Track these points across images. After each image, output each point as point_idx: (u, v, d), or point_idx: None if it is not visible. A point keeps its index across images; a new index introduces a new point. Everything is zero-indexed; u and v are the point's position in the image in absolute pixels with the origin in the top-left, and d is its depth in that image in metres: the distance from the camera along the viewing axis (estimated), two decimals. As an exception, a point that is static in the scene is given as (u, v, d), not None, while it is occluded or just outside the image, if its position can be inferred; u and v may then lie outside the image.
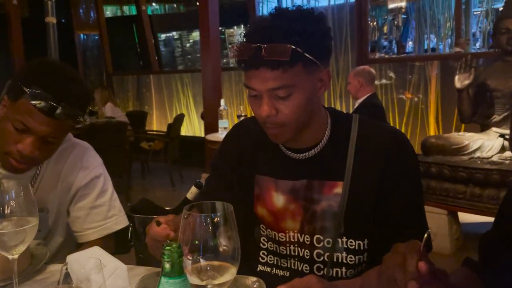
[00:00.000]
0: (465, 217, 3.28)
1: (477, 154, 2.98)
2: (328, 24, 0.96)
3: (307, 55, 0.88)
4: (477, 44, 10.34)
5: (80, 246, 1.25)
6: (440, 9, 11.76)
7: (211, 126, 4.23)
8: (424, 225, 1.02)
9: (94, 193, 1.24)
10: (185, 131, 6.37)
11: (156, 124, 7.01)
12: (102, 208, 1.25)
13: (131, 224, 1.44)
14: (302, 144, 1.02)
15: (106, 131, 4.31)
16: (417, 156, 1.04)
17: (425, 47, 11.83)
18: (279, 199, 1.04)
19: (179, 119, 5.46)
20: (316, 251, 1.01)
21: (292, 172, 1.03)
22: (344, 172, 0.99)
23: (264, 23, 0.91)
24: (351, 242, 1.00)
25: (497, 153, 2.95)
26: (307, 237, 1.02)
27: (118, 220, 1.27)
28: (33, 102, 1.04)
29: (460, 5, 8.73)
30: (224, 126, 3.73)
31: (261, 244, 1.08)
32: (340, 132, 1.02)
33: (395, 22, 8.23)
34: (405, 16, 12.10)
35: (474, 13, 11.57)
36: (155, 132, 6.23)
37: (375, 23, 11.17)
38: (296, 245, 1.03)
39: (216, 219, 0.65)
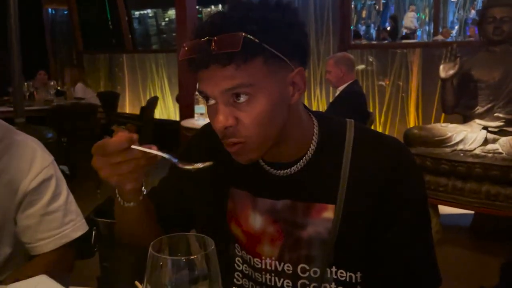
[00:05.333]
0: (443, 209, 3.24)
1: (460, 147, 2.92)
2: (300, 17, 0.79)
3: (266, 46, 0.71)
4: (454, 32, 10.37)
5: (33, 257, 1.09)
6: (419, -6, 11.74)
7: (186, 111, 4.05)
8: (432, 264, 0.86)
9: (45, 198, 1.07)
10: (159, 114, 6.14)
11: (129, 106, 6.74)
12: (56, 214, 1.08)
13: (95, 228, 1.29)
14: (283, 158, 0.86)
15: (74, 113, 4.07)
16: (423, 178, 0.88)
17: (403, 34, 11.83)
18: (255, 220, 0.89)
19: (153, 102, 5.24)
20: (300, 281, 0.87)
21: (272, 190, 0.87)
22: (336, 194, 0.82)
23: (217, 15, 0.76)
24: (341, 273, 0.85)
25: (480, 146, 2.89)
26: (287, 266, 0.87)
27: (76, 226, 1.11)
28: None
29: (439, -8, 8.68)
30: (201, 112, 3.56)
31: (235, 265, 0.94)
32: (330, 144, 0.85)
33: (376, 7, 8.17)
34: (384, 1, 12.04)
35: (452, 0, 11.60)
36: (127, 115, 5.99)
37: (353, 8, 11.06)
38: (273, 274, 0.88)
39: (193, 265, 0.51)
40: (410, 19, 9.49)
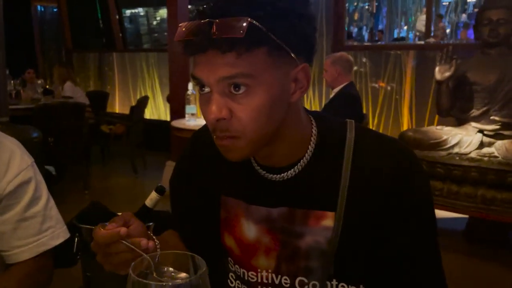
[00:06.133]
0: (437, 213, 3.20)
1: (455, 150, 2.89)
2: (311, 10, 0.72)
3: (272, 36, 0.65)
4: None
5: (10, 265, 1.02)
6: (411, -3, 11.80)
7: (177, 111, 3.97)
8: (439, 273, 0.80)
9: (22, 202, 0.99)
10: (149, 114, 6.06)
11: (119, 106, 6.63)
12: (34, 220, 1.01)
13: (77, 235, 1.21)
14: (278, 161, 0.79)
15: (61, 113, 3.96)
16: (429, 181, 0.82)
17: (395, 36, 11.87)
18: (250, 229, 0.82)
19: (143, 101, 5.15)
20: None
21: (267, 196, 0.81)
22: (336, 200, 0.76)
23: None
24: (342, 286, 0.79)
25: (475, 149, 2.86)
26: (285, 279, 0.81)
27: (56, 234, 1.04)
28: None
29: (431, -6, 8.67)
30: (192, 112, 3.48)
31: (228, 282, 0.88)
32: (329, 146, 0.79)
33: (369, 9, 8.13)
34: (376, 4, 12.07)
35: (443, 3, 11.67)
36: (117, 115, 5.89)
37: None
38: (270, 287, 0.83)
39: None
40: (422, 22, 9.18)
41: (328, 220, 0.77)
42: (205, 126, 0.94)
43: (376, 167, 0.76)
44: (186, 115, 3.54)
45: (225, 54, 0.65)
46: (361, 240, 0.77)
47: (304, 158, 0.78)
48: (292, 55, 0.68)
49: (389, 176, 0.75)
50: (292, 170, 0.79)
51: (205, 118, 0.72)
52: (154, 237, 0.79)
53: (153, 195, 1.18)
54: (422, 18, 8.80)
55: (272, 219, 0.80)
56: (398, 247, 0.77)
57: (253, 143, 0.71)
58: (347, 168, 0.76)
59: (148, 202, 1.19)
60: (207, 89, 0.70)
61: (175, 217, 0.97)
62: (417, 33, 9.53)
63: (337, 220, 0.76)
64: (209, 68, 0.67)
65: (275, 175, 0.80)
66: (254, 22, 0.63)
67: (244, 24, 0.62)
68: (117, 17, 6.93)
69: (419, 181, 0.78)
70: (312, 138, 0.79)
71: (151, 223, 1.26)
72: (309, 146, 0.79)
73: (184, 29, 0.68)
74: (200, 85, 0.70)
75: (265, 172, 0.80)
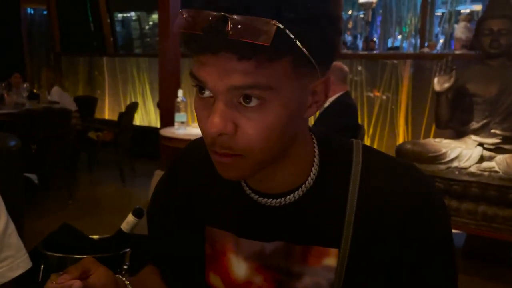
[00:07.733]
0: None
1: (455, 164, 2.78)
2: (337, 9, 0.62)
3: (299, 44, 0.53)
4: (438, 46, 10.42)
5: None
6: (406, 6, 11.83)
7: (167, 118, 3.84)
8: None
9: None
10: (139, 120, 5.92)
11: (109, 111, 6.48)
12: None
13: (43, 262, 1.07)
14: (275, 186, 0.67)
15: (45, 119, 3.80)
16: (448, 212, 0.70)
17: (389, 45, 11.88)
18: (240, 267, 0.71)
19: (132, 108, 5.00)
20: None
21: (261, 226, 0.69)
22: (340, 234, 0.65)
23: None
24: None
25: (475, 163, 2.76)
26: None
27: (15, 264, 0.92)
28: None
29: (426, 4, 8.66)
30: (181, 120, 3.34)
31: None
32: (333, 170, 0.67)
33: (365, 18, 8.07)
34: (371, 13, 12.08)
35: (436, 14, 11.70)
36: (105, 121, 5.74)
37: (340, 18, 11.00)
38: None
39: None
40: (461, 30, 8.77)
41: (331, 259, 0.66)
42: (191, 144, 0.82)
43: (388, 196, 0.65)
44: (176, 124, 3.40)
45: (241, 61, 0.52)
46: (368, 281, 0.66)
47: (305, 184, 0.67)
48: (316, 65, 0.57)
49: (403, 207, 0.64)
50: (292, 195, 0.67)
51: (202, 127, 0.59)
52: (127, 282, 0.67)
53: (130, 218, 1.04)
54: (461, 25, 8.43)
55: (266, 255, 0.69)
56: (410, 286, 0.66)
57: (258, 164, 0.60)
58: (353, 197, 0.65)
59: (124, 226, 1.05)
60: (207, 93, 0.57)
61: (154, 251, 0.85)
62: (457, 42, 9.07)
63: (341, 259, 0.65)
64: (219, 73, 0.54)
65: (271, 200, 0.68)
66: (283, 27, 0.51)
67: (271, 29, 0.50)
68: (109, 20, 6.81)
69: (438, 214, 0.67)
70: (314, 160, 0.67)
71: (127, 250, 1.13)
72: (312, 170, 0.67)
73: (189, 19, 0.54)
74: (200, 87, 0.58)
75: (258, 196, 0.69)
